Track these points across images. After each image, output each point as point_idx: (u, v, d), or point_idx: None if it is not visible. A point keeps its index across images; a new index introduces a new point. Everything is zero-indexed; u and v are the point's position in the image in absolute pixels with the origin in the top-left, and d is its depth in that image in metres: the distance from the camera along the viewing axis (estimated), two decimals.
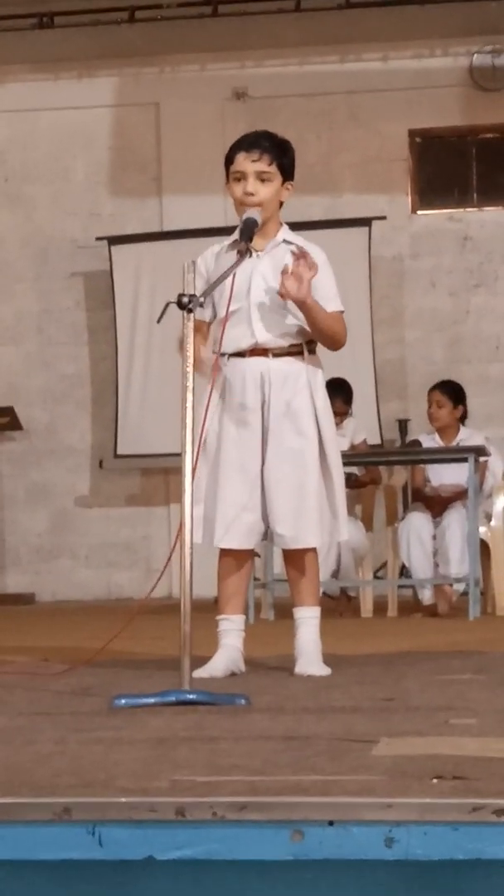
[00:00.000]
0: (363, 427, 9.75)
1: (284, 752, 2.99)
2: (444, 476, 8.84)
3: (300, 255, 4.75)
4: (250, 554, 5.03)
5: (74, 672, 4.85)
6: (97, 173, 12.32)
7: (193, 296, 4.21)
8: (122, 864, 2.34)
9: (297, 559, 4.92)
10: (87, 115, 12.20)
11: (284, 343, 4.88)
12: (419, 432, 9.66)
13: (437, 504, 8.76)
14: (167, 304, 4.22)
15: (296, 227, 5.08)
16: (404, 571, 9.04)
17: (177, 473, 4.24)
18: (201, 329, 4.87)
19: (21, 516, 12.22)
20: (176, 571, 4.16)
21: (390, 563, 9.02)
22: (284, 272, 4.74)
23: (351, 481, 8.32)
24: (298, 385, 4.88)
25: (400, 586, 9.05)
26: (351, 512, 7.78)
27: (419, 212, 12.02)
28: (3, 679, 4.78)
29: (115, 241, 11.91)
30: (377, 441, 10.97)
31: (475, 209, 11.95)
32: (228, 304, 4.80)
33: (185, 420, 4.15)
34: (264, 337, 4.85)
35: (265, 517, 4.86)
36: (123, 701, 3.91)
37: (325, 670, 4.79)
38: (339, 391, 8.79)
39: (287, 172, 4.89)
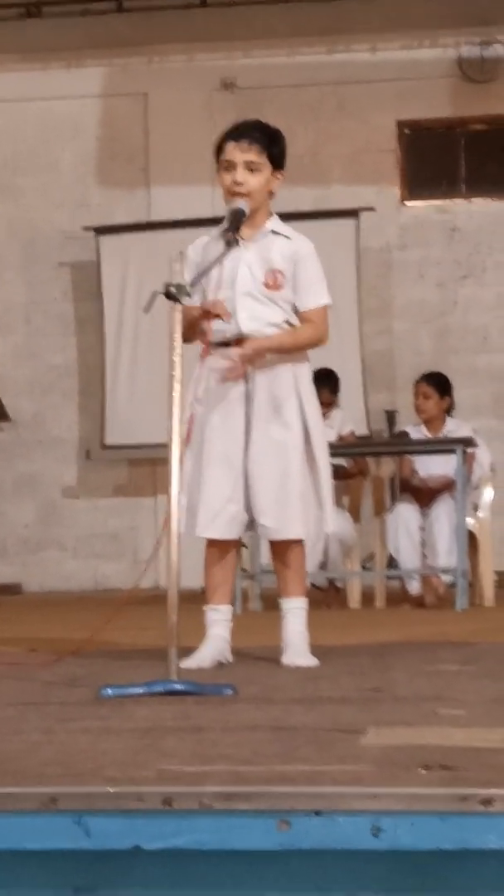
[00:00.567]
0: (350, 418, 9.75)
1: (272, 742, 2.99)
2: (432, 467, 8.84)
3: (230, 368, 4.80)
4: (236, 544, 5.03)
5: (62, 662, 4.85)
6: (85, 163, 12.29)
7: (180, 285, 4.21)
8: (110, 853, 2.34)
9: (283, 550, 4.92)
10: (75, 106, 12.18)
11: (269, 333, 4.88)
12: (407, 423, 9.65)
13: (424, 495, 8.76)
14: (154, 294, 4.22)
15: (284, 217, 5.07)
16: (392, 562, 9.04)
17: (164, 464, 4.24)
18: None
19: (8, 507, 12.21)
20: (163, 562, 4.15)
21: (378, 554, 9.02)
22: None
23: (338, 472, 8.31)
24: (283, 376, 4.88)
25: (388, 577, 9.05)
26: (338, 503, 7.79)
27: (407, 203, 12.01)
28: None
29: (102, 231, 11.89)
30: (365, 432, 10.96)
31: (463, 200, 11.94)
32: (215, 293, 4.80)
33: (171, 410, 4.15)
34: (248, 327, 4.85)
35: (248, 508, 4.87)
36: (110, 691, 3.91)
37: (312, 661, 4.79)
38: (326, 381, 8.78)
39: (277, 162, 4.89)
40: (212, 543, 4.92)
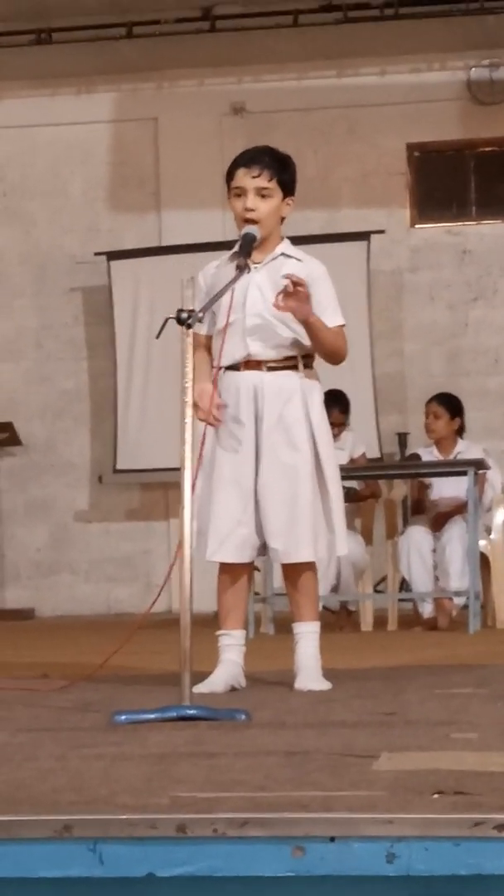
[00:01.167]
0: (362, 440, 9.74)
1: (285, 767, 2.98)
2: (444, 489, 8.83)
3: (296, 283, 4.73)
4: (248, 568, 5.02)
5: (74, 687, 4.85)
6: (95, 188, 12.33)
7: (192, 311, 4.23)
8: (123, 881, 2.34)
9: (295, 574, 4.92)
10: (86, 131, 12.22)
11: (278, 355, 4.88)
12: (418, 446, 9.65)
13: (437, 518, 8.75)
14: (166, 320, 4.24)
15: (294, 241, 5.09)
16: (404, 585, 9.03)
17: (176, 488, 4.24)
18: (201, 343, 4.88)
19: (20, 531, 12.21)
20: (176, 586, 4.15)
21: (390, 577, 9.01)
22: (282, 292, 4.74)
23: (350, 495, 8.31)
24: (293, 399, 4.88)
25: (400, 600, 9.04)
26: (350, 526, 7.77)
27: (417, 225, 12.02)
28: (2, 695, 4.77)
29: (113, 256, 11.91)
30: (376, 455, 10.96)
31: (473, 223, 11.95)
32: (227, 317, 4.81)
33: (184, 435, 4.15)
34: (257, 349, 4.86)
35: (259, 531, 4.86)
36: (124, 717, 3.90)
37: (325, 685, 4.78)
38: (336, 402, 8.77)
39: (287, 188, 4.91)
40: (224, 567, 4.92)
